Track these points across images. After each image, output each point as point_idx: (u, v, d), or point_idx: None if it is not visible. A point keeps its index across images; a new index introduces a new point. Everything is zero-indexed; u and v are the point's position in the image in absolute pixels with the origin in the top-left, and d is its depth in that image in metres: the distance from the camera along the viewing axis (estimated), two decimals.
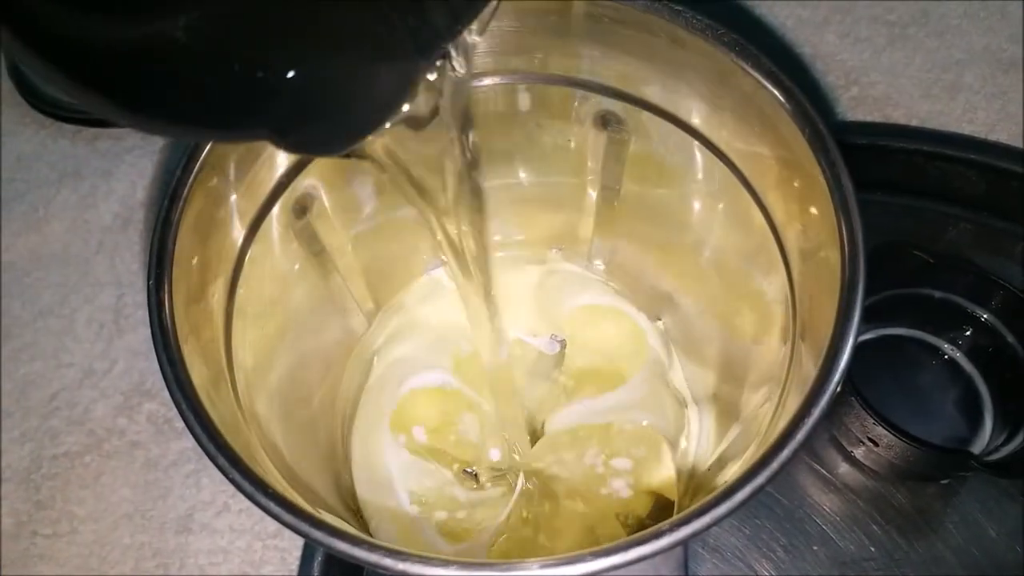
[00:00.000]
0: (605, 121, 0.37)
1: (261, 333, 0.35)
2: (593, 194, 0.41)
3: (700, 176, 0.36)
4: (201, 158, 0.29)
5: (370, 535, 0.32)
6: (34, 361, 0.49)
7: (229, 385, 0.31)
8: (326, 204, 0.36)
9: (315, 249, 0.37)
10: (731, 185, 0.34)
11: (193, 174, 0.29)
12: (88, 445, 0.47)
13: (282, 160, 0.33)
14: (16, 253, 0.53)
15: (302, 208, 0.35)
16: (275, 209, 0.34)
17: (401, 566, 0.24)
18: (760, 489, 0.25)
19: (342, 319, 0.41)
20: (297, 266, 0.37)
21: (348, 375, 0.43)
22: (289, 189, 0.34)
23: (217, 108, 0.19)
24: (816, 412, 0.25)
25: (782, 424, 0.26)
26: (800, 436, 0.25)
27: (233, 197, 0.32)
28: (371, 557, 0.24)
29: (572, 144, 0.39)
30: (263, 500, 0.25)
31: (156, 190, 0.54)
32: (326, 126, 0.21)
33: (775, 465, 0.25)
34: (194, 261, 0.30)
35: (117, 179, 0.55)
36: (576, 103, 0.37)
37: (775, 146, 0.31)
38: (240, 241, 0.33)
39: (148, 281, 0.28)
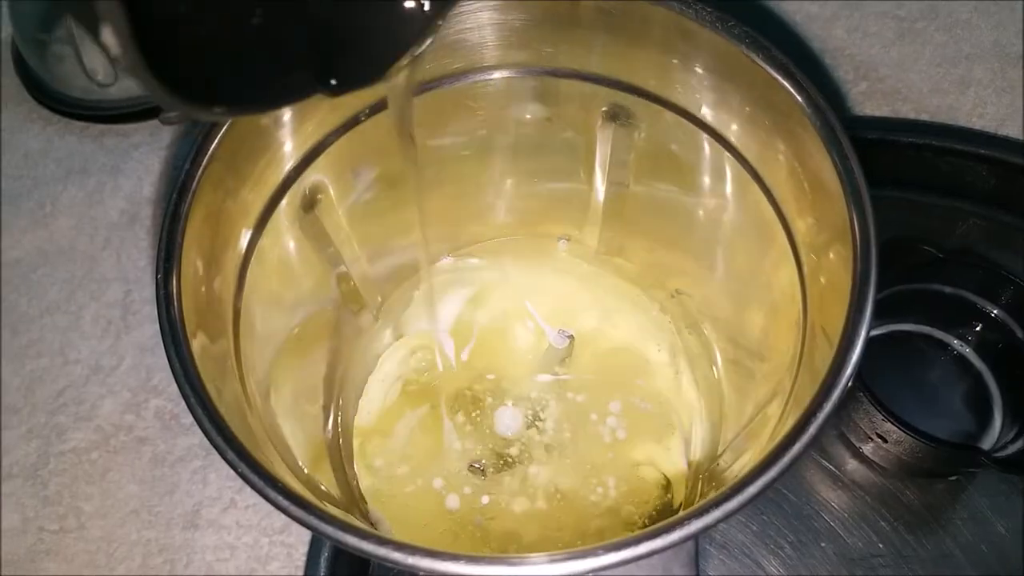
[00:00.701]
0: (614, 115, 0.37)
1: (268, 327, 0.35)
2: (601, 187, 0.41)
3: (710, 170, 0.35)
4: (210, 151, 0.29)
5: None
6: (41, 357, 0.49)
7: (237, 379, 0.31)
8: (333, 199, 0.36)
9: (322, 243, 0.37)
10: (741, 179, 0.33)
11: (202, 167, 0.29)
12: (95, 441, 0.46)
13: (290, 154, 0.33)
14: (23, 249, 0.53)
15: (310, 202, 0.35)
16: (283, 203, 0.34)
17: (410, 560, 0.24)
18: (772, 483, 0.24)
19: (349, 314, 0.41)
20: (304, 261, 0.37)
21: (354, 370, 0.42)
22: (297, 183, 0.34)
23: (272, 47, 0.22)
24: (828, 406, 0.25)
25: (792, 419, 0.26)
26: (812, 430, 0.25)
27: (241, 191, 0.32)
28: (380, 551, 0.24)
29: (580, 137, 0.39)
30: (272, 494, 0.25)
31: (163, 186, 0.54)
32: (358, 54, 0.24)
33: (787, 459, 0.25)
34: (202, 255, 0.30)
35: (124, 175, 0.55)
36: (585, 96, 0.37)
37: (786, 140, 0.31)
38: (248, 235, 0.33)
39: (156, 275, 0.28)
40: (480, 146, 0.40)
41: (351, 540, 0.24)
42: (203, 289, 0.30)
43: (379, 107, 0.35)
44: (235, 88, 0.22)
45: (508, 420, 0.42)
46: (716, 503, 0.24)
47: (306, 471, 0.34)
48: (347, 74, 0.24)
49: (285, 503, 0.25)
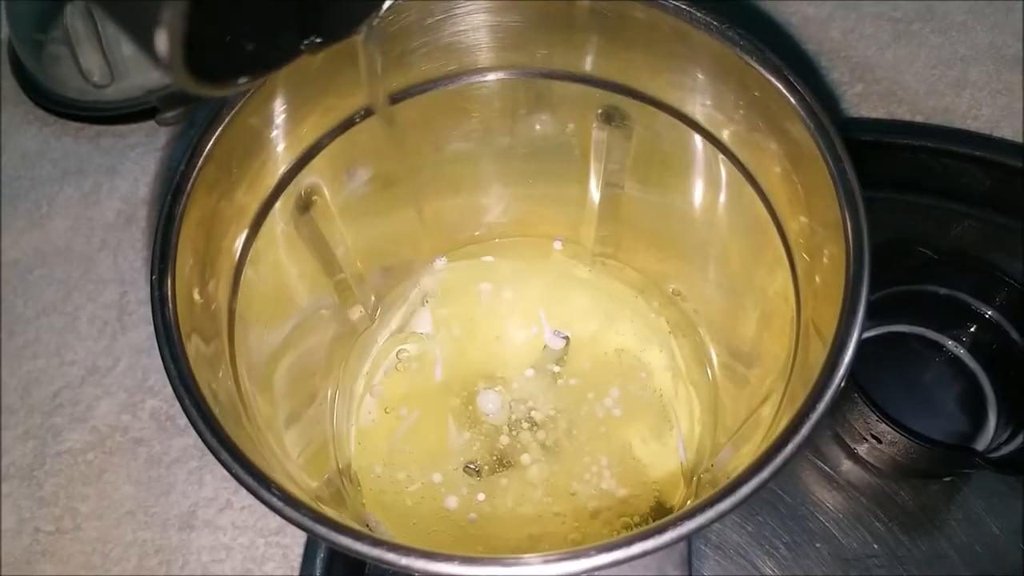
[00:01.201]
0: (609, 116, 0.37)
1: (264, 329, 0.35)
2: (596, 189, 0.41)
3: (704, 172, 0.36)
4: (204, 152, 0.29)
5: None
6: (37, 358, 0.49)
7: (232, 381, 0.31)
8: (328, 200, 0.36)
9: (318, 244, 0.37)
10: (735, 181, 0.33)
11: (196, 169, 0.29)
12: (91, 442, 0.47)
13: (284, 156, 0.34)
14: (19, 250, 0.53)
15: (305, 204, 0.35)
16: (277, 205, 0.34)
17: (404, 561, 0.24)
18: (764, 484, 0.25)
19: (345, 315, 0.41)
20: (300, 262, 0.37)
21: (350, 372, 0.43)
22: (292, 184, 0.34)
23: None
24: (821, 407, 0.25)
25: (786, 420, 0.26)
26: (804, 431, 0.25)
27: (236, 193, 0.32)
28: (374, 552, 0.24)
29: (575, 139, 0.39)
30: (266, 495, 0.25)
31: (159, 187, 0.54)
32: (336, 15, 0.27)
33: (779, 460, 0.25)
34: (197, 256, 0.30)
35: (120, 176, 0.55)
36: (579, 98, 0.37)
37: (780, 141, 0.31)
38: (243, 237, 0.33)
39: (151, 276, 0.28)
40: (475, 148, 0.40)
41: (345, 541, 0.24)
42: (197, 291, 0.30)
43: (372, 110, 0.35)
44: (242, 61, 0.24)
45: (491, 405, 0.42)
46: (709, 503, 0.24)
47: (303, 472, 0.34)
48: (327, 31, 0.27)
49: (279, 504, 0.25)
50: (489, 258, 0.46)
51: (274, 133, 0.32)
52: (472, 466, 0.40)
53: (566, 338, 0.43)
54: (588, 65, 0.35)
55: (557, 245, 0.46)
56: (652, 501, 0.39)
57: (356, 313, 0.42)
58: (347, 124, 0.35)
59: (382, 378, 0.43)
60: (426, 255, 0.44)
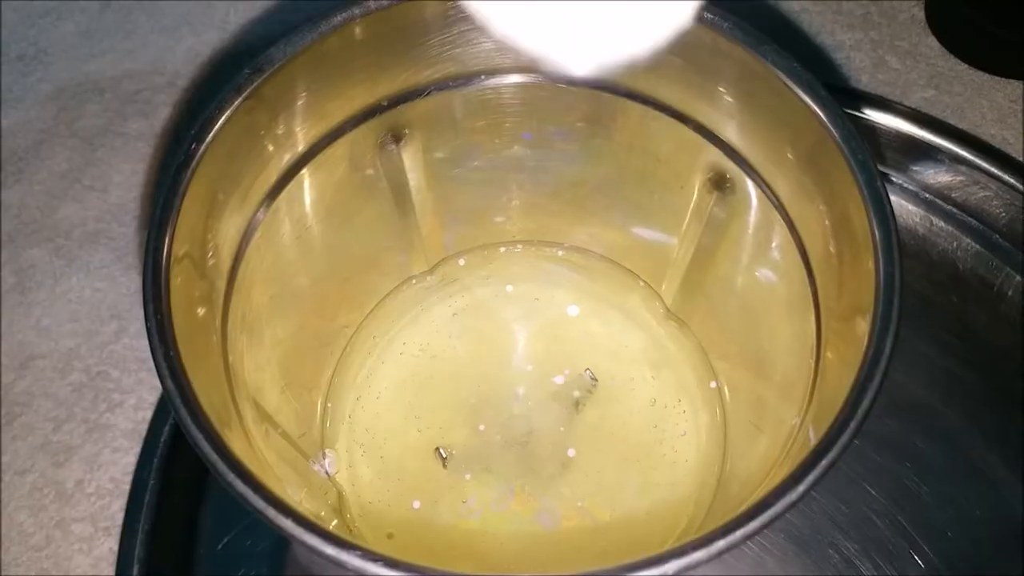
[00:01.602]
0: (718, 182, 0.36)
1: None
2: (688, 248, 0.40)
3: (776, 255, 0.34)
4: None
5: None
6: None
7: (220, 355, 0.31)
8: (422, 144, 0.37)
9: (397, 180, 0.37)
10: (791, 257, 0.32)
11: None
12: None
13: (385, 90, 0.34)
14: None
15: (396, 137, 0.35)
16: (362, 128, 0.34)
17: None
18: (793, 505, 0.24)
19: (403, 259, 0.42)
20: (370, 193, 0.37)
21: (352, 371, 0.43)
22: (392, 113, 0.34)
23: None
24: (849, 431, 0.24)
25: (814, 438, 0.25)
26: (835, 453, 0.24)
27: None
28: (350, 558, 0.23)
29: (683, 192, 0.38)
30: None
31: None
32: None
33: (812, 477, 0.24)
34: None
35: None
36: (694, 153, 0.35)
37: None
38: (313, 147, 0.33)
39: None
40: (588, 167, 0.40)
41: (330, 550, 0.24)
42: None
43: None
44: None
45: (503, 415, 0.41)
46: (727, 530, 0.23)
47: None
48: None
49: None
50: (565, 269, 0.45)
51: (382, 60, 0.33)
52: (443, 452, 0.40)
53: (595, 380, 0.42)
54: (702, 114, 0.34)
55: (641, 284, 0.44)
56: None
57: (417, 264, 0.43)
58: (474, 80, 0.35)
59: (385, 387, 0.42)
60: (506, 239, 0.44)
